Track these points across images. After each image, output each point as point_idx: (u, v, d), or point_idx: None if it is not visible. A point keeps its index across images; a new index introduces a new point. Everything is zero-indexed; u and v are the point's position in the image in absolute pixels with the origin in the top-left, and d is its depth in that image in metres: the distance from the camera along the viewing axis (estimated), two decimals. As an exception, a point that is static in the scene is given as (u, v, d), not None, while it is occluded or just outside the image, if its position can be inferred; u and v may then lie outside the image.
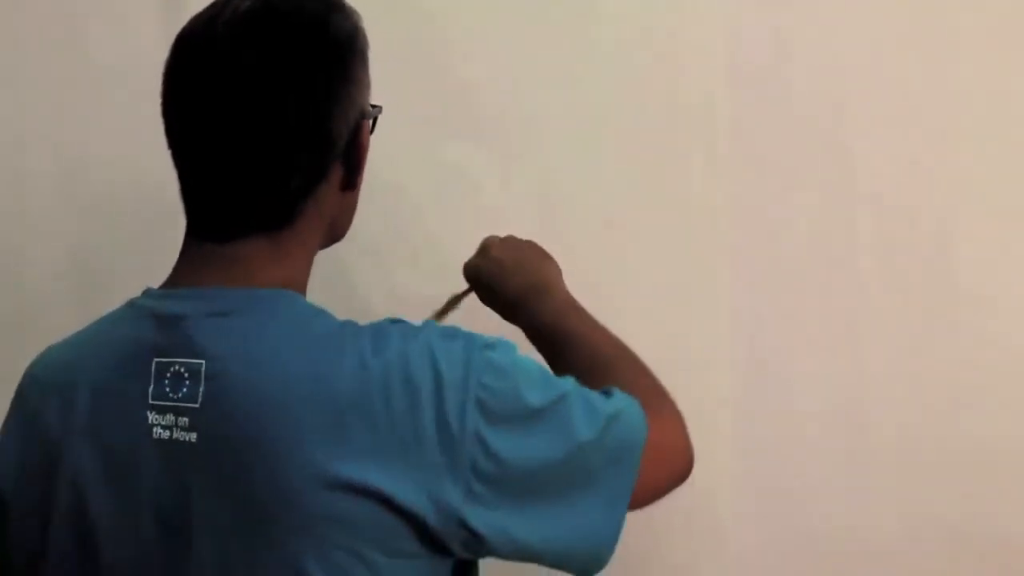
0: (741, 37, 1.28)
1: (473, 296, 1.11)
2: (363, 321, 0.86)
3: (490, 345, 0.84)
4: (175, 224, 1.25)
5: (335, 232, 0.94)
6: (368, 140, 0.91)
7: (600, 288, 1.28)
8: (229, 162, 0.84)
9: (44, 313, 1.27)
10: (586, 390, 0.87)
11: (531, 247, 1.10)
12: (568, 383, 0.86)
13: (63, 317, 1.26)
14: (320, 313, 0.86)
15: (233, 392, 0.80)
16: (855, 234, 1.28)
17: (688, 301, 1.28)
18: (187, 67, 0.85)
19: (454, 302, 1.16)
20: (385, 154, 1.29)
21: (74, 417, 0.85)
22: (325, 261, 1.28)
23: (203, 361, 0.81)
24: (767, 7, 1.28)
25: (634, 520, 1.28)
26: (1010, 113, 1.27)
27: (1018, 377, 1.28)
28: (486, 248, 1.10)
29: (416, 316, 1.28)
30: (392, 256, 1.30)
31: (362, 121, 0.89)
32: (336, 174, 0.88)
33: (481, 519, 0.80)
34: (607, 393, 0.89)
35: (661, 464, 0.90)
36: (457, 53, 1.30)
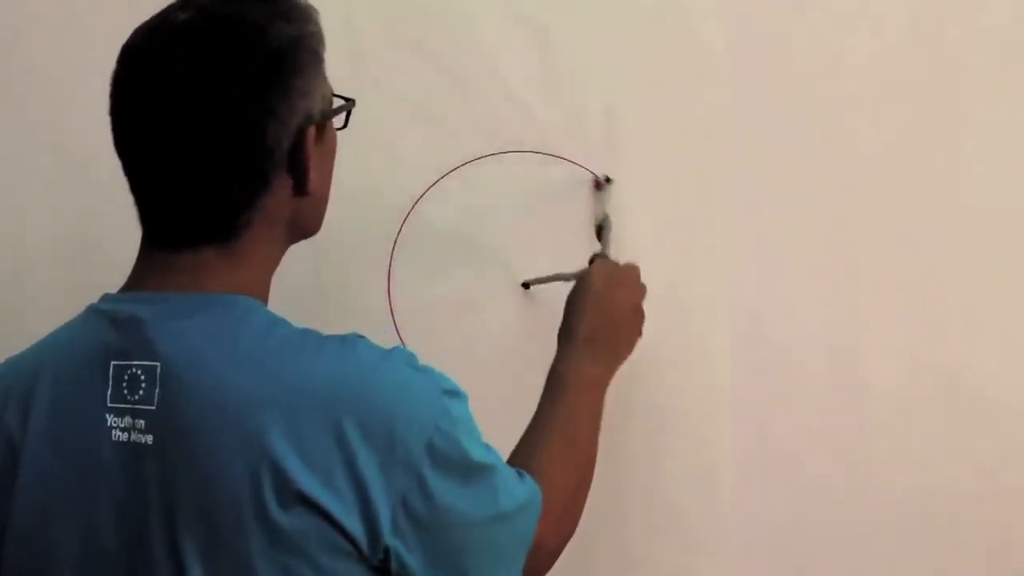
0: (741, 36, 1.27)
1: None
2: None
3: (452, 392, 0.86)
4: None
5: (300, 231, 0.94)
6: (312, 148, 0.89)
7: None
8: (167, 175, 0.85)
9: (44, 313, 1.26)
10: (505, 464, 0.90)
11: (633, 316, 1.13)
12: (496, 455, 0.89)
13: (62, 317, 1.26)
14: (278, 321, 0.87)
15: (187, 395, 0.81)
16: (856, 232, 1.28)
17: (688, 301, 1.28)
18: (127, 78, 0.87)
19: (561, 278, 1.19)
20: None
21: (34, 421, 0.85)
22: (325, 261, 1.28)
23: (158, 363, 0.82)
24: (767, 7, 1.28)
25: (634, 520, 1.29)
26: (1010, 112, 1.27)
27: (1019, 376, 1.28)
28: (619, 282, 1.13)
29: (417, 318, 1.29)
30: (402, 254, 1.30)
31: (307, 128, 0.88)
32: (283, 182, 0.88)
33: (399, 555, 0.81)
34: (520, 475, 0.91)
35: (535, 563, 0.92)
36: (458, 51, 1.30)
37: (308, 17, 0.91)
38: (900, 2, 1.28)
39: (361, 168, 1.29)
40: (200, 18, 0.86)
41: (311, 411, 0.80)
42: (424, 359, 1.28)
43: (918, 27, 1.28)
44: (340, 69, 1.28)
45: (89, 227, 1.30)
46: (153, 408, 0.81)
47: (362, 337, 0.87)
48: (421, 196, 1.29)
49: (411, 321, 1.29)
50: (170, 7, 0.88)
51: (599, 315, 1.10)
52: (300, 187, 0.89)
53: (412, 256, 1.29)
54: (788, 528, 1.28)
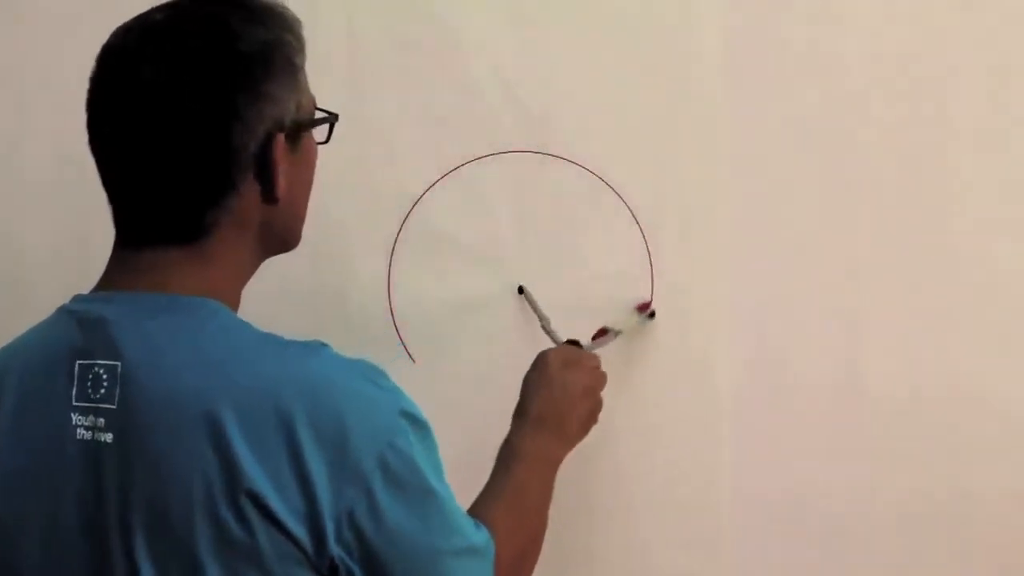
0: (741, 37, 1.27)
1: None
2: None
3: (412, 415, 0.86)
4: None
5: (273, 242, 0.94)
6: (281, 155, 0.89)
7: (600, 287, 1.28)
8: (134, 171, 0.86)
9: (43, 313, 1.26)
10: (460, 508, 0.89)
11: (585, 400, 1.13)
12: (453, 497, 0.88)
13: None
14: (242, 324, 0.87)
15: (145, 394, 0.82)
16: (856, 234, 1.28)
17: (688, 300, 1.28)
18: (101, 76, 0.88)
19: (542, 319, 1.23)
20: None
21: (1, 419, 0.86)
22: (325, 261, 1.28)
23: (119, 363, 0.83)
24: (768, 7, 1.28)
25: (633, 520, 1.28)
26: (1011, 112, 1.27)
27: (1019, 375, 1.28)
28: (575, 365, 1.13)
29: (417, 318, 1.29)
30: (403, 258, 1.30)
31: (276, 135, 0.88)
32: (251, 187, 0.88)
33: (346, 567, 0.81)
34: (477, 526, 0.90)
35: None
36: (458, 51, 1.30)
37: (287, 27, 0.91)
38: (900, 9, 1.28)
39: (361, 168, 1.29)
40: (175, 17, 0.87)
41: (264, 409, 0.80)
42: (424, 359, 1.29)
43: (918, 28, 1.28)
44: (340, 69, 1.29)
45: (88, 227, 1.30)
46: (114, 407, 0.82)
47: (326, 345, 0.87)
48: (421, 196, 1.29)
49: (411, 321, 1.29)
50: (151, 8, 0.90)
51: (551, 396, 1.10)
52: (268, 194, 0.89)
53: (412, 256, 1.29)
54: (788, 529, 1.28)
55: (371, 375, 0.86)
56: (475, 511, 0.96)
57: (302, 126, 0.92)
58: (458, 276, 1.25)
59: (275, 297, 1.27)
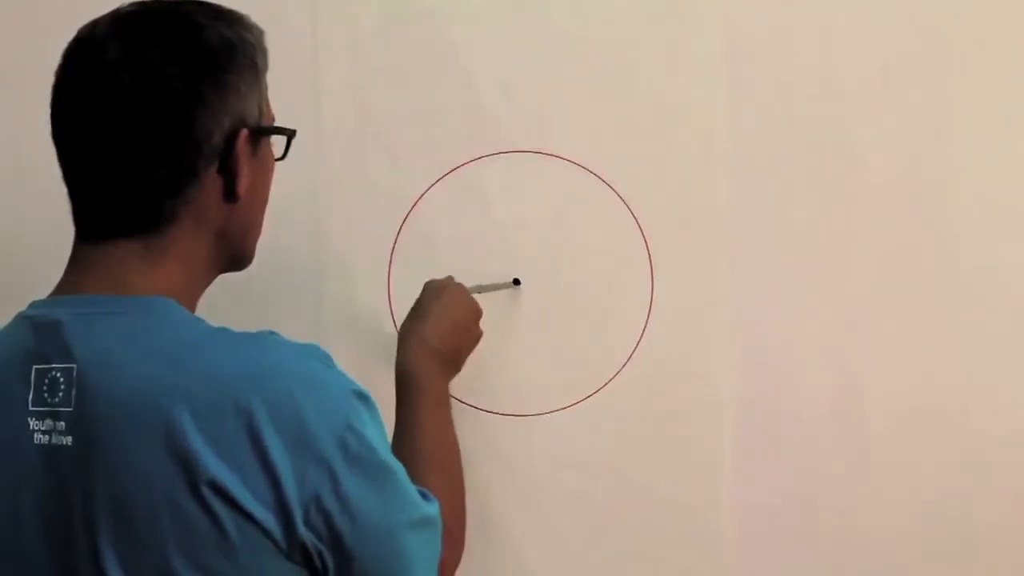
0: (741, 37, 1.27)
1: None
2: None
3: (362, 395, 0.86)
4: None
5: (230, 250, 0.94)
6: (244, 150, 0.90)
7: (600, 287, 1.28)
8: (96, 158, 0.86)
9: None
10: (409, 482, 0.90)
11: (468, 315, 1.18)
12: (401, 465, 0.89)
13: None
14: (194, 320, 0.88)
15: (100, 394, 0.82)
16: (856, 234, 1.28)
17: (688, 301, 1.28)
18: (66, 66, 0.89)
19: (489, 288, 1.24)
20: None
21: None
22: (326, 261, 1.29)
23: (75, 365, 0.83)
24: (768, 7, 1.28)
25: (633, 520, 1.28)
26: (1011, 112, 1.27)
27: (1020, 376, 1.28)
28: (463, 302, 1.18)
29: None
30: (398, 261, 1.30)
31: (240, 129, 0.89)
32: (213, 181, 0.88)
33: (318, 551, 0.82)
34: (425, 496, 0.91)
35: None
36: (458, 51, 1.30)
37: (250, 29, 0.93)
38: (900, 6, 1.28)
39: (361, 168, 1.29)
40: (142, 9, 0.89)
41: (220, 399, 0.80)
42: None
43: (919, 30, 1.28)
44: (341, 69, 1.29)
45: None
46: (71, 409, 0.82)
47: (275, 333, 0.88)
48: (421, 196, 1.29)
49: (411, 321, 1.29)
50: (123, 4, 0.91)
51: (451, 330, 1.15)
52: (230, 190, 0.89)
53: (412, 256, 1.29)
54: (788, 529, 1.28)
55: (321, 358, 0.87)
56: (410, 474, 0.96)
57: (263, 130, 0.93)
58: (458, 276, 1.24)
59: (275, 297, 1.28)
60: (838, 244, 1.28)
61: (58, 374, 0.83)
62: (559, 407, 1.27)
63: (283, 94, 1.25)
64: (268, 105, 0.95)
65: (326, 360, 0.87)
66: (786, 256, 1.28)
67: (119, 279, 0.87)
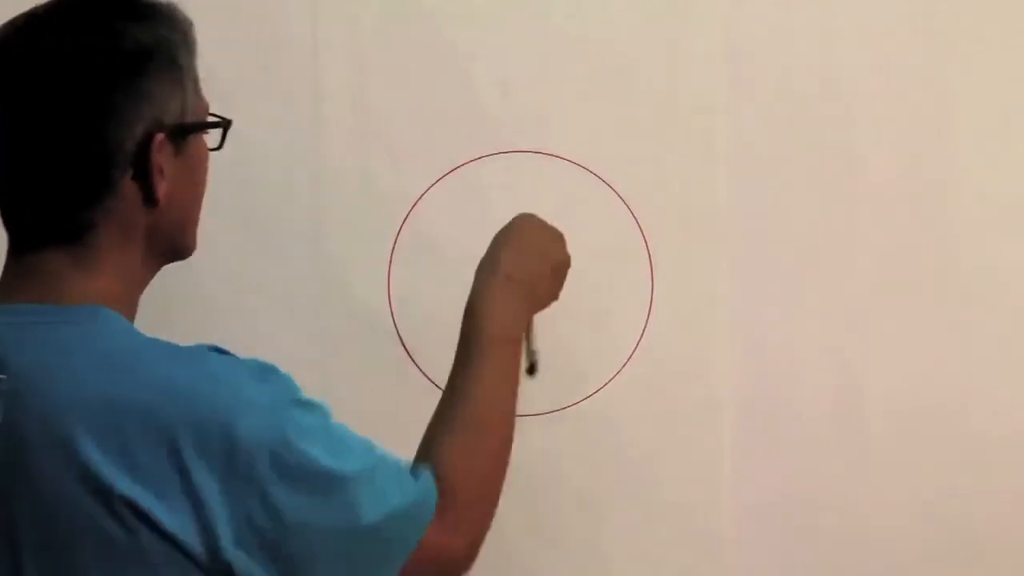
0: (741, 37, 1.27)
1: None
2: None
3: (304, 404, 0.84)
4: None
5: (164, 249, 0.91)
6: (160, 155, 0.86)
7: (599, 287, 1.28)
8: (11, 168, 0.85)
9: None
10: (391, 468, 0.86)
11: (560, 268, 1.07)
12: (374, 458, 0.85)
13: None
14: (129, 331, 0.85)
15: (24, 409, 0.80)
16: (856, 234, 1.28)
17: (688, 301, 1.28)
18: None
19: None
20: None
21: None
22: (326, 261, 1.29)
23: (4, 376, 0.81)
24: (768, 7, 1.28)
25: (633, 520, 1.28)
26: (1011, 112, 1.27)
27: (1020, 376, 1.28)
28: (551, 235, 1.07)
29: (417, 318, 1.29)
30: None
31: (154, 135, 0.86)
32: (131, 188, 0.86)
33: (248, 570, 0.79)
34: (415, 475, 0.88)
35: (425, 566, 0.88)
36: (458, 51, 1.30)
37: (174, 27, 0.89)
38: (900, 6, 1.28)
39: (361, 168, 1.29)
40: (57, 12, 0.87)
41: (141, 419, 0.78)
42: (424, 358, 1.29)
43: (919, 32, 1.28)
44: (341, 69, 1.29)
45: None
46: (1, 422, 0.81)
47: (216, 348, 0.85)
48: (421, 196, 1.29)
49: (411, 321, 1.29)
50: (39, 4, 0.89)
51: (523, 255, 1.04)
52: (148, 196, 0.87)
53: (412, 256, 1.29)
54: (788, 530, 1.29)
55: (258, 374, 0.84)
56: (427, 441, 0.93)
57: (186, 128, 0.89)
58: (458, 276, 1.24)
59: (275, 298, 1.28)
60: (838, 244, 1.28)
61: None
62: (559, 407, 1.27)
63: (283, 94, 1.26)
64: (197, 95, 0.91)
65: (265, 373, 0.84)
66: (786, 256, 1.28)
67: (46, 289, 0.85)
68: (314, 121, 1.27)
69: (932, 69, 1.27)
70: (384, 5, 1.30)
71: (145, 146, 0.86)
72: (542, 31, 1.29)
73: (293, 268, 1.27)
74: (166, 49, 0.88)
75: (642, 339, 1.27)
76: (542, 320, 1.26)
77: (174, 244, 0.92)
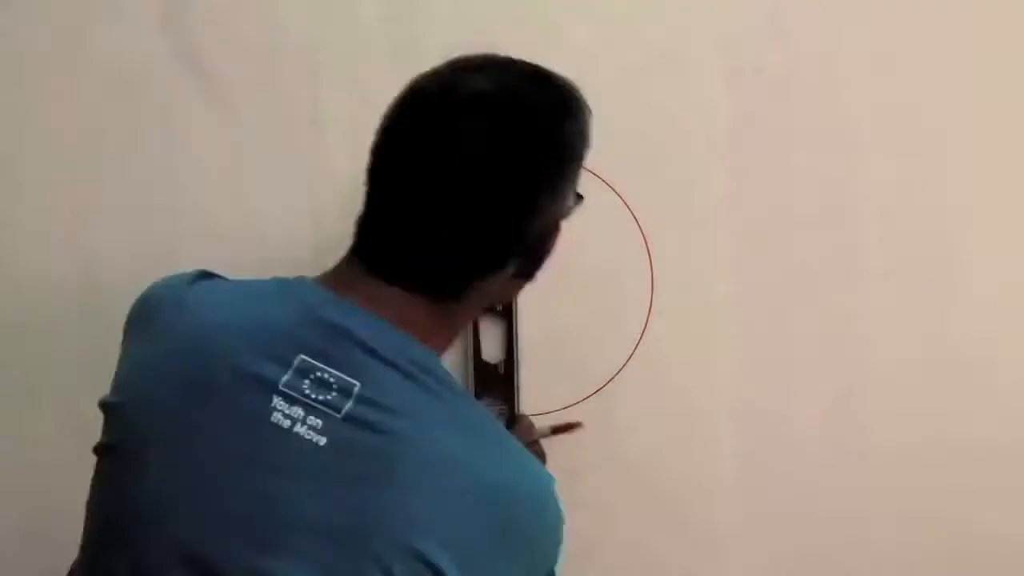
0: (741, 37, 1.27)
1: None
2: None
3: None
4: (173, 224, 1.25)
5: (491, 305, 0.97)
6: (556, 240, 0.91)
7: (600, 287, 1.29)
8: (420, 225, 0.84)
9: (43, 314, 1.27)
10: None
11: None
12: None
13: (62, 317, 1.26)
14: (479, 411, 0.89)
15: (389, 432, 0.81)
16: (856, 234, 1.28)
17: (688, 301, 1.28)
18: (413, 123, 0.86)
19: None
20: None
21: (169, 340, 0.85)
22: (326, 261, 1.28)
23: (358, 383, 0.81)
24: (768, 7, 1.28)
25: (633, 522, 1.29)
26: (1011, 113, 1.27)
27: (1020, 378, 1.28)
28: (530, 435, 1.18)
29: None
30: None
31: (558, 224, 0.90)
32: (513, 263, 0.88)
33: None
34: None
35: None
36: (456, 51, 1.30)
37: (589, 119, 0.91)
38: (900, 6, 1.28)
39: (361, 168, 1.29)
40: (499, 93, 0.86)
41: (474, 508, 0.81)
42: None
43: (918, 31, 1.28)
44: (343, 69, 1.29)
45: (89, 227, 1.30)
46: (339, 416, 0.80)
47: (519, 449, 0.88)
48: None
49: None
50: (463, 65, 0.89)
51: None
52: (529, 274, 0.90)
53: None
54: (788, 531, 1.29)
55: (551, 480, 0.88)
56: None
57: (569, 213, 0.93)
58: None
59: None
60: (838, 244, 1.28)
61: (331, 379, 0.81)
62: (559, 407, 1.27)
63: (283, 94, 1.26)
64: None
65: (560, 538, 0.87)
66: (786, 256, 1.28)
67: (408, 323, 0.85)
68: (314, 121, 1.27)
69: (932, 68, 1.27)
70: (384, 5, 1.30)
71: (548, 235, 0.90)
72: (542, 32, 1.29)
73: (293, 268, 1.27)
74: (585, 146, 0.91)
75: (642, 339, 1.27)
76: (542, 320, 1.26)
77: (503, 302, 0.98)
